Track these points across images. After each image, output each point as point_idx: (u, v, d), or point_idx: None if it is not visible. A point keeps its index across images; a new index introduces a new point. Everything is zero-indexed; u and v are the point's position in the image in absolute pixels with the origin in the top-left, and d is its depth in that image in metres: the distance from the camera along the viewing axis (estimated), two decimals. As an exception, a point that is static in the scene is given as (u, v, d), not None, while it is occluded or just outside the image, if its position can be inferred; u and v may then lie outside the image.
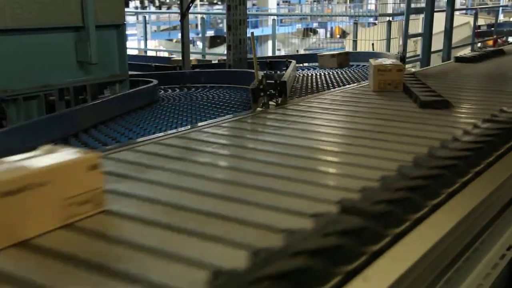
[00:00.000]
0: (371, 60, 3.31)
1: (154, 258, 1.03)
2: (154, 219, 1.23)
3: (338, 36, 17.30)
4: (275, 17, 12.67)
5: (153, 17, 18.25)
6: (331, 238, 0.99)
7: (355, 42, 9.31)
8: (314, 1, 22.45)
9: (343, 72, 5.59)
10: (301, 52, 12.24)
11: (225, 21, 5.92)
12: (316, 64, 6.39)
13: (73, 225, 1.17)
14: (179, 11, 6.21)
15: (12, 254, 1.05)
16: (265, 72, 4.82)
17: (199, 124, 2.39)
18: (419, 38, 7.79)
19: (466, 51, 10.64)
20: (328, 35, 18.09)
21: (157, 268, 0.99)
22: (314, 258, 0.91)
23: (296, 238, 0.99)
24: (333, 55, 6.37)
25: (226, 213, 1.25)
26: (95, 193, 1.22)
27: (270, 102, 2.60)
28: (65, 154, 1.21)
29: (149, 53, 11.45)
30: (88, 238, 1.13)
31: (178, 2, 6.27)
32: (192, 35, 14.09)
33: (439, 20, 7.78)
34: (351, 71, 5.63)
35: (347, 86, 3.63)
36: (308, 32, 17.23)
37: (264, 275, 0.85)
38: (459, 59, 4.46)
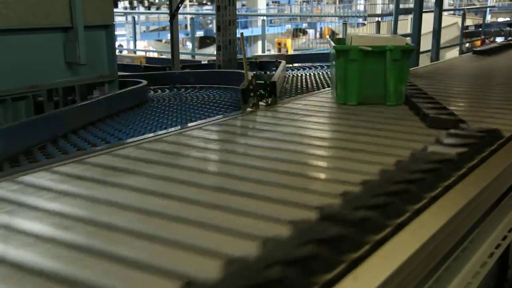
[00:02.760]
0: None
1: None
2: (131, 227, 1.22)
3: (327, 36, 17.35)
4: (265, 18, 12.68)
5: (142, 17, 18.19)
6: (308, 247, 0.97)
7: (344, 42, 9.33)
8: (304, 1, 22.51)
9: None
10: (291, 52, 12.26)
11: (214, 21, 5.92)
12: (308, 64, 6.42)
13: None
14: (168, 11, 6.20)
15: None
16: (255, 72, 4.82)
17: (189, 124, 2.39)
18: (408, 38, 7.84)
19: (454, 52, 10.74)
20: (318, 36, 18.14)
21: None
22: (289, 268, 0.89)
23: (272, 247, 0.97)
24: None
25: (206, 221, 1.20)
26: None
27: (260, 103, 2.60)
28: None
29: (138, 54, 11.41)
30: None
31: (168, 3, 6.25)
32: (181, 36, 14.05)
33: (428, 21, 7.83)
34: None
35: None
36: (297, 32, 17.28)
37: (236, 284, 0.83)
38: None
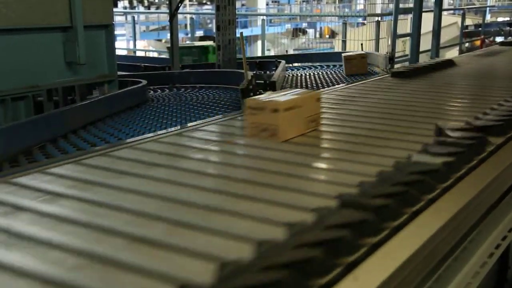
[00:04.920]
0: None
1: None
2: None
3: (327, 36, 17.35)
4: (265, 17, 12.69)
5: (142, 17, 18.19)
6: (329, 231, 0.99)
7: (344, 42, 9.35)
8: (303, 1, 22.51)
9: (332, 72, 5.61)
10: (291, 52, 12.26)
11: (214, 21, 5.92)
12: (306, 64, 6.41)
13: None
14: (168, 11, 6.19)
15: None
16: (254, 72, 4.82)
17: (188, 124, 2.38)
18: (408, 38, 7.84)
19: (454, 51, 10.74)
20: (318, 35, 18.12)
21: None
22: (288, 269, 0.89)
23: (271, 248, 0.97)
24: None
25: (206, 225, 1.18)
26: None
27: (260, 102, 2.60)
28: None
29: (138, 53, 11.41)
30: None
31: (167, 2, 6.25)
32: (181, 35, 14.05)
33: (427, 20, 7.84)
34: (339, 71, 5.65)
35: (336, 86, 3.64)
36: (297, 32, 17.27)
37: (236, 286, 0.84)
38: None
